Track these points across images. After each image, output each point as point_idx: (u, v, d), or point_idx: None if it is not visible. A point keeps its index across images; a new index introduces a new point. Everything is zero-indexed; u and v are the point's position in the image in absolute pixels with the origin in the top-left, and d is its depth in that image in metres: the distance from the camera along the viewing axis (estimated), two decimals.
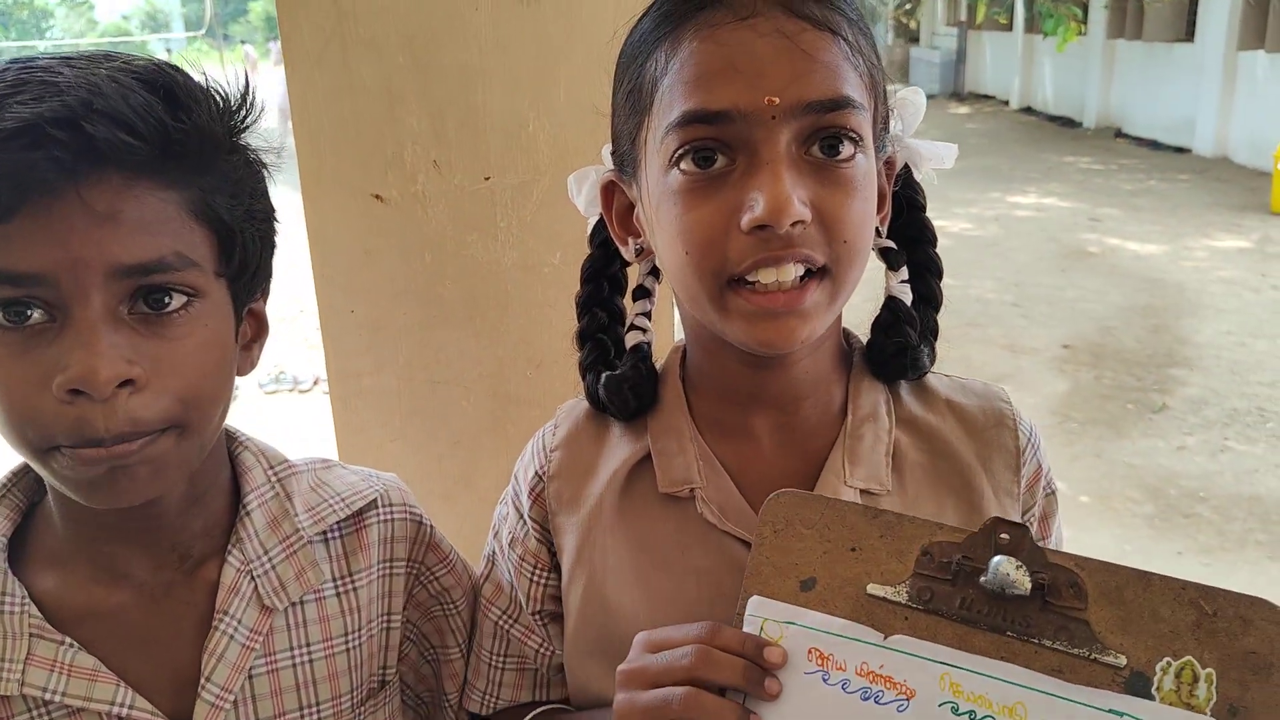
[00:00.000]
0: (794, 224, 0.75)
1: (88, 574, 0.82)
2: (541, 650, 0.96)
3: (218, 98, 0.78)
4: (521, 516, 0.96)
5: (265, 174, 0.84)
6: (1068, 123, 16.60)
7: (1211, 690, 0.64)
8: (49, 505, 0.84)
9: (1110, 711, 0.65)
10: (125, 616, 0.82)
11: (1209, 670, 0.64)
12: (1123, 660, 0.65)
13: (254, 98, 0.81)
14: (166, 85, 0.73)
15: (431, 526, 0.97)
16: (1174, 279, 7.68)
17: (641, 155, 0.85)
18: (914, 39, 26.39)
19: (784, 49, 0.76)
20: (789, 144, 0.76)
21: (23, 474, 0.86)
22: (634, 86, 0.85)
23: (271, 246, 0.85)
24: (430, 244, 1.39)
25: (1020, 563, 0.68)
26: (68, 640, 0.79)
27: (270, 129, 0.85)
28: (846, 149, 0.78)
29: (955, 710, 0.68)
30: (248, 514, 0.85)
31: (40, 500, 0.86)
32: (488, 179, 1.37)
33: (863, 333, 0.97)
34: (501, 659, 0.98)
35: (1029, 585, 0.67)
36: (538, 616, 0.96)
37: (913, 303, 0.95)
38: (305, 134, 1.35)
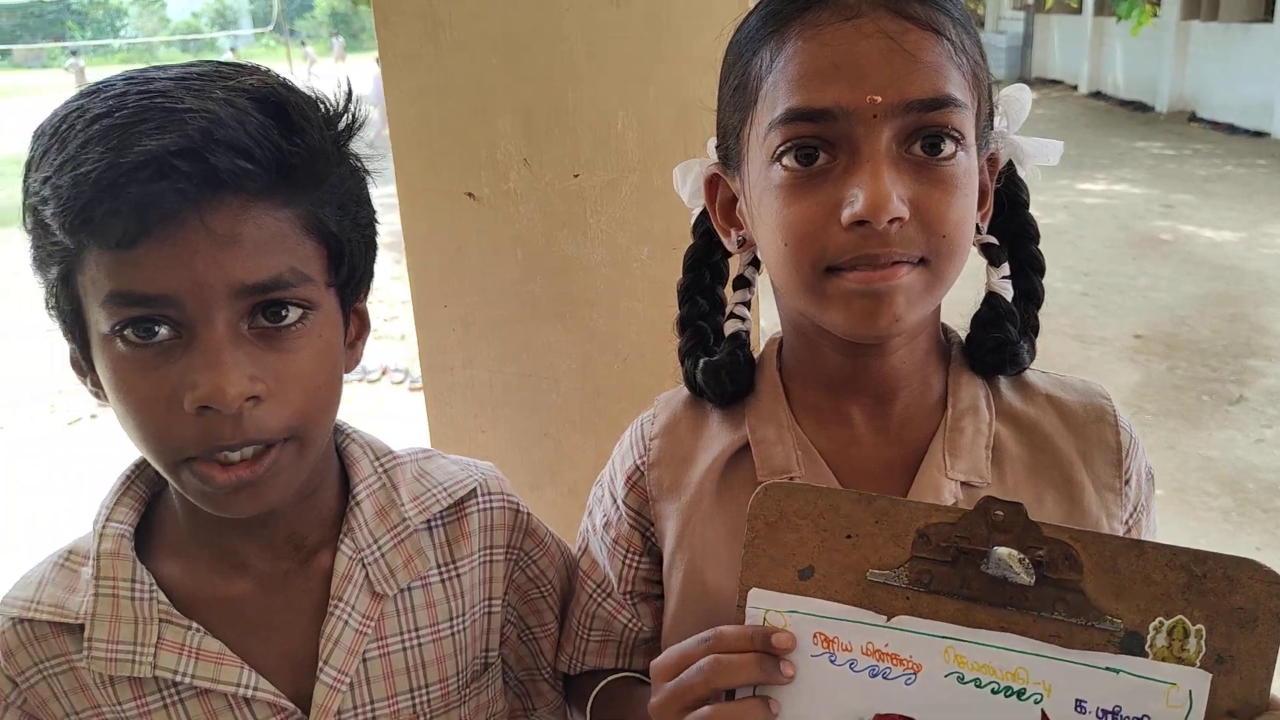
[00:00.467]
0: (892, 221, 0.76)
1: (209, 563, 0.86)
2: (629, 626, 1.00)
3: (325, 111, 0.80)
4: (616, 502, 0.99)
5: (368, 179, 0.86)
6: (1139, 107, 16.19)
7: (1201, 644, 0.68)
8: (170, 496, 0.88)
9: (1107, 669, 0.69)
10: (245, 603, 0.85)
11: (1199, 626, 0.68)
12: (1118, 624, 0.69)
13: (357, 107, 0.83)
14: (279, 105, 0.75)
15: (529, 514, 1.00)
16: (1252, 267, 7.46)
17: (745, 150, 0.87)
18: (980, 23, 25.92)
19: (887, 49, 0.78)
20: (890, 142, 0.78)
21: (144, 467, 0.90)
22: (740, 83, 0.87)
23: (374, 249, 0.88)
24: (521, 240, 1.43)
25: (1021, 554, 0.70)
26: (194, 625, 0.83)
27: (366, 135, 0.86)
28: (948, 147, 0.79)
29: (961, 679, 0.71)
30: (357, 504, 0.88)
31: (161, 491, 0.91)
32: (577, 176, 1.40)
33: (959, 326, 0.98)
34: (588, 630, 1.02)
35: (1031, 578, 0.69)
36: (627, 596, 1.00)
37: (1013, 298, 0.95)
38: (401, 134, 1.39)
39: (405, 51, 1.37)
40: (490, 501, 0.96)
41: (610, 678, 1.01)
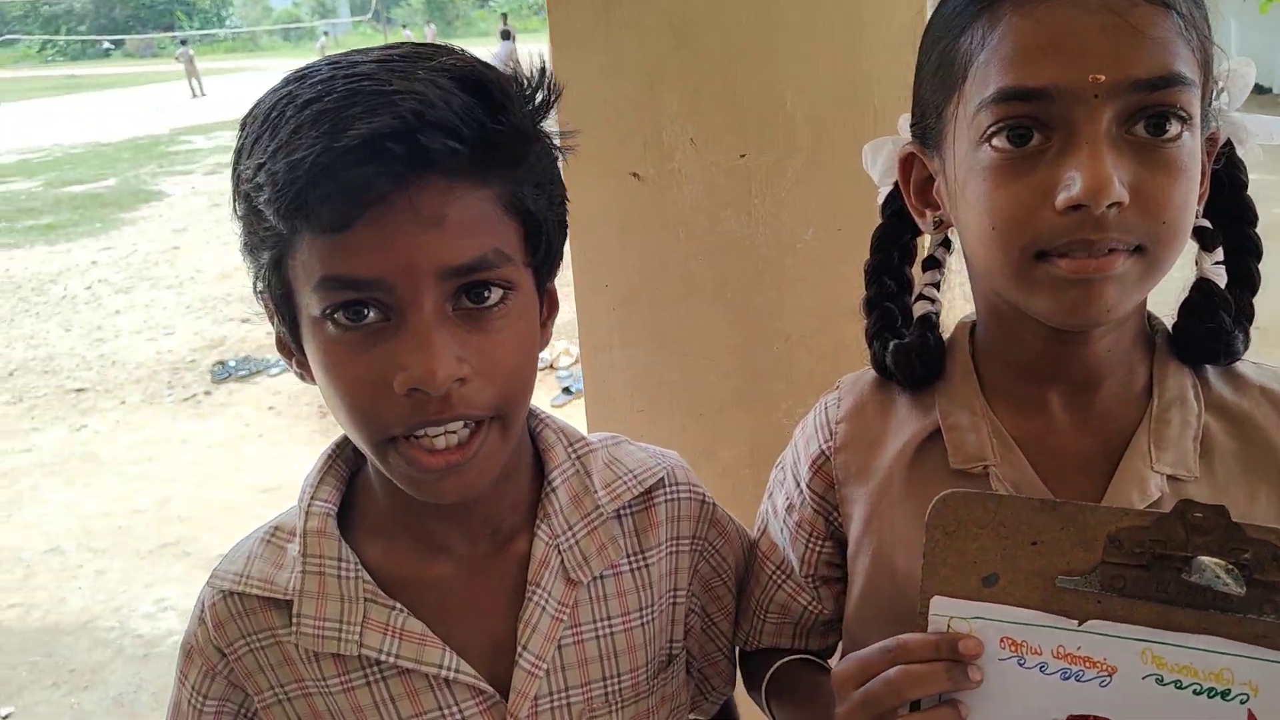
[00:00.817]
0: (1111, 205, 0.74)
1: (409, 545, 0.87)
2: (809, 609, 1.00)
3: (522, 88, 0.79)
4: (800, 486, 0.98)
5: (559, 157, 0.86)
6: (1258, 89, 15.49)
7: None
8: (369, 477, 0.90)
9: None
10: (445, 587, 0.86)
11: None
12: None
13: (551, 81, 0.82)
14: (481, 83, 0.75)
15: (714, 504, 1.00)
16: None
17: (949, 130, 0.84)
18: None
19: (1111, 25, 0.75)
20: (1110, 123, 0.75)
21: (345, 446, 0.92)
22: (945, 60, 0.84)
23: (565, 228, 0.88)
24: (684, 221, 1.43)
25: (1229, 564, 0.66)
26: (398, 605, 0.84)
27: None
28: (1173, 128, 0.76)
29: (1160, 681, 0.68)
30: (553, 490, 0.88)
31: (359, 470, 0.92)
32: (743, 156, 1.40)
33: (1164, 314, 0.95)
34: (766, 610, 1.02)
35: (1242, 589, 0.65)
36: (809, 579, 0.99)
37: (1227, 285, 0.92)
38: (568, 114, 1.40)
39: (576, 31, 1.38)
40: (678, 492, 0.96)
41: (785, 659, 1.02)
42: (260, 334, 6.71)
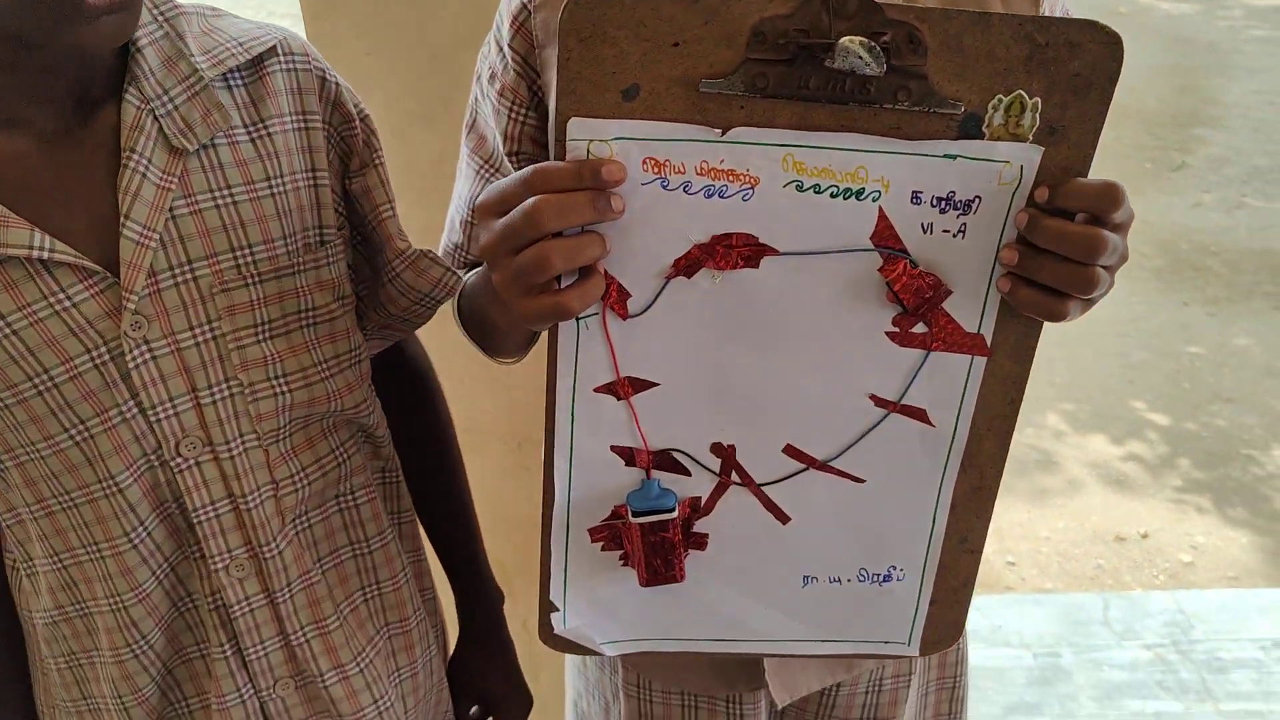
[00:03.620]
0: None
1: None
2: None
3: None
4: (501, 49, 0.90)
5: None
6: None
7: (1035, 118, 0.66)
8: None
9: (945, 156, 0.67)
10: (27, 164, 0.76)
11: (1036, 100, 0.66)
12: (960, 107, 0.66)
13: None
14: None
15: (337, 83, 0.89)
16: (1205, 39, 7.35)
17: None
18: None
19: None
20: None
21: None
22: None
23: None
24: None
25: (871, 43, 0.63)
26: None
27: None
28: None
29: (800, 187, 0.69)
30: (139, 50, 0.78)
31: None
32: None
33: None
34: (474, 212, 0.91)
35: (882, 67, 0.63)
36: (515, 159, 0.91)
37: None
38: None
39: None
40: (294, 62, 0.85)
41: (475, 271, 0.93)
42: None
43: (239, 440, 0.81)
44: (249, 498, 0.82)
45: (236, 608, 0.84)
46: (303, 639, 0.87)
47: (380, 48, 1.39)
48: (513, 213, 0.65)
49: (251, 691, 0.87)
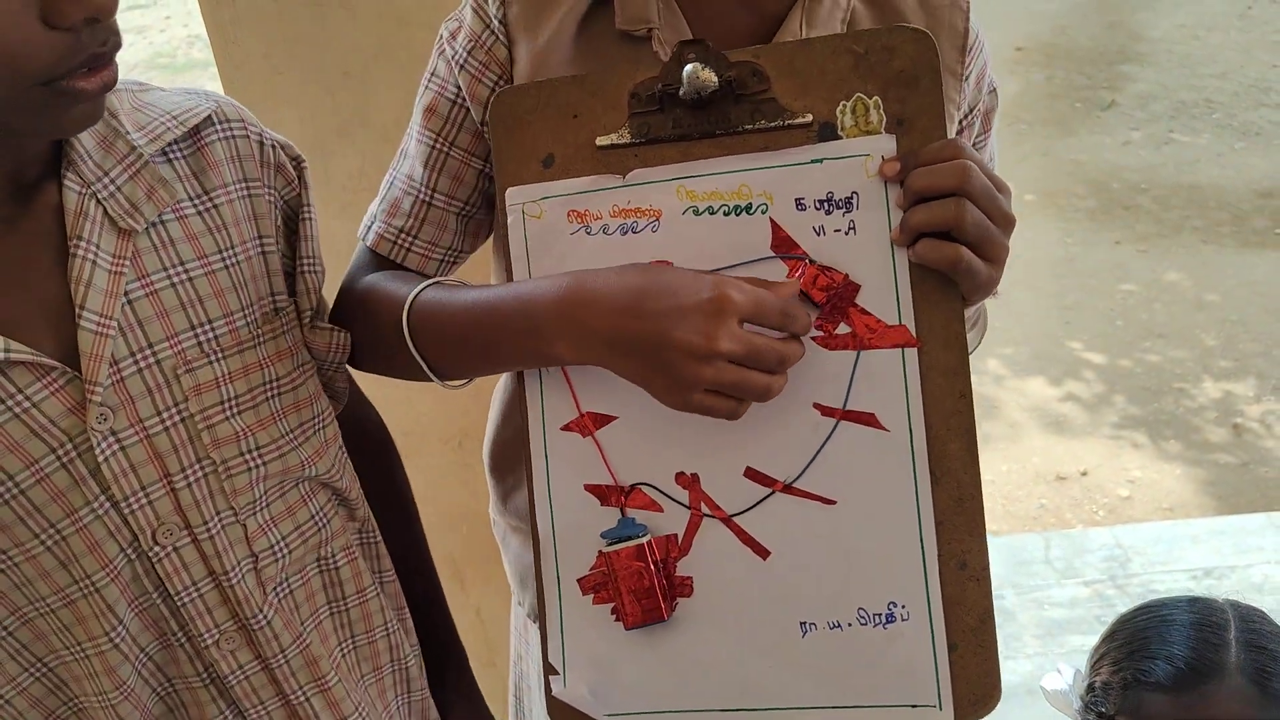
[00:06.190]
0: None
1: None
2: (485, 171, 0.92)
3: None
4: (487, 24, 0.89)
5: None
6: None
7: (880, 113, 0.75)
8: None
9: (812, 161, 0.76)
10: None
11: (875, 98, 0.75)
12: (810, 117, 0.76)
13: None
14: None
15: (275, 145, 0.88)
16: None
17: None
18: None
19: None
20: None
21: None
22: None
23: None
24: None
25: (704, 63, 0.75)
26: None
27: None
28: None
29: (696, 212, 0.78)
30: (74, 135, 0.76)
31: None
32: None
33: None
34: (431, 191, 0.93)
35: (715, 78, 0.75)
36: (487, 127, 0.89)
37: None
38: None
39: None
40: (231, 130, 0.85)
41: (427, 283, 0.88)
42: None
43: (216, 519, 0.80)
44: (230, 574, 0.81)
45: (231, 677, 0.83)
46: (303, 698, 0.87)
47: (289, 65, 1.39)
48: (770, 346, 0.72)
49: None
